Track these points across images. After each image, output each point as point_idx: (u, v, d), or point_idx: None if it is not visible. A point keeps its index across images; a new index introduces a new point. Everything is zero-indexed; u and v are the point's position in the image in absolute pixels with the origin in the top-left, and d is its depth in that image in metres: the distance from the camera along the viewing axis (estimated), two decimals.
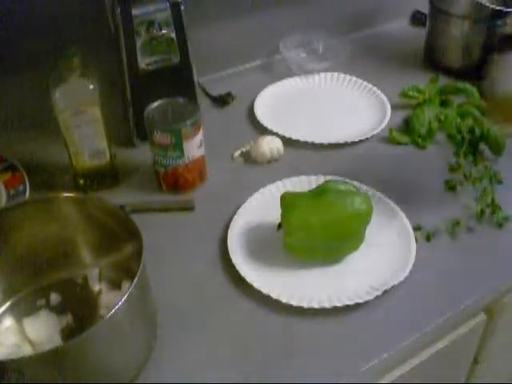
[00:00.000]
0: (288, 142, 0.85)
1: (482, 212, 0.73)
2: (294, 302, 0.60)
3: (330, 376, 0.55)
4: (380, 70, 1.07)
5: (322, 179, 0.74)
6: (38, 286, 0.63)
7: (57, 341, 0.57)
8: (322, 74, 1.03)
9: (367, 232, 0.66)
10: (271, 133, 0.87)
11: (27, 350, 0.56)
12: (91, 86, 0.71)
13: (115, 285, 0.62)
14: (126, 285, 0.60)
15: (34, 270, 0.62)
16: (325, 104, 0.97)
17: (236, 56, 1.06)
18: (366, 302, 0.60)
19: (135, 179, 0.81)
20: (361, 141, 0.87)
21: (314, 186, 0.68)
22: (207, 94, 0.99)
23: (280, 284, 0.63)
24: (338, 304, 0.60)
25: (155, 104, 0.75)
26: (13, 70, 0.85)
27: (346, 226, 0.63)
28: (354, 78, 1.02)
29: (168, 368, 0.56)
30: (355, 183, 0.70)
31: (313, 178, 0.77)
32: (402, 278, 0.63)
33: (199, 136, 0.74)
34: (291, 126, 0.89)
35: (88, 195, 0.72)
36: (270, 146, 0.83)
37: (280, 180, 0.77)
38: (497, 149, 0.83)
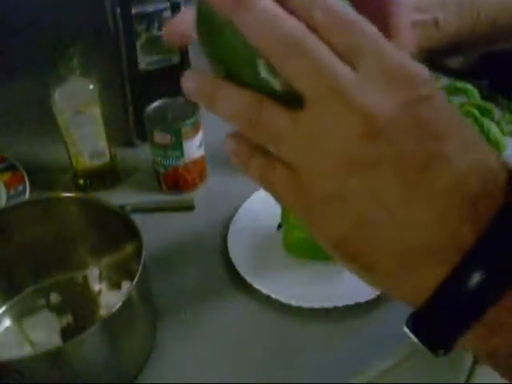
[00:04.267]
0: None
1: None
2: (294, 302, 0.60)
3: (330, 376, 0.55)
4: None
5: None
6: (38, 286, 0.63)
7: (57, 341, 0.57)
8: None
9: None
10: None
11: (27, 350, 0.56)
12: (91, 86, 0.71)
13: (115, 285, 0.62)
14: (126, 285, 0.60)
15: (34, 270, 0.62)
16: None
17: None
18: (366, 302, 0.60)
19: (135, 179, 0.81)
20: None
21: None
22: None
23: (280, 284, 0.63)
24: (338, 304, 0.60)
25: (155, 104, 0.75)
26: (13, 70, 0.85)
27: None
28: None
29: (168, 368, 0.56)
30: None
31: None
32: None
33: (199, 136, 0.74)
34: None
35: (88, 195, 0.72)
36: None
37: None
38: (497, 149, 0.83)
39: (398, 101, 0.24)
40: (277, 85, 0.26)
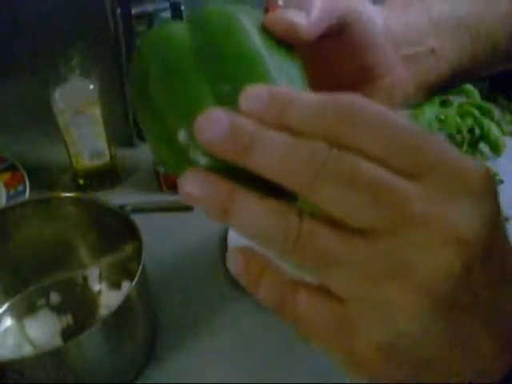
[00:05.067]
0: None
1: None
2: None
3: (330, 376, 0.55)
4: None
5: None
6: (38, 286, 0.63)
7: (57, 341, 0.57)
8: None
9: None
10: None
11: (27, 350, 0.56)
12: (91, 86, 0.71)
13: (115, 285, 0.62)
14: (126, 285, 0.60)
15: (33, 270, 0.62)
16: None
17: None
18: None
19: (135, 179, 0.81)
20: None
21: None
22: None
23: None
24: None
25: None
26: (13, 70, 0.85)
27: None
28: None
29: (168, 368, 0.56)
30: None
31: None
32: None
33: None
34: None
35: (88, 195, 0.72)
36: None
37: None
38: (497, 149, 0.83)
39: (478, 217, 0.19)
40: (200, 158, 0.23)
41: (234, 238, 0.68)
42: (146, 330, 0.56)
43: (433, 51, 0.36)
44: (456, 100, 0.92)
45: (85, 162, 0.76)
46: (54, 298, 0.62)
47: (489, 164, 0.81)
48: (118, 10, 0.75)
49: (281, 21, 0.26)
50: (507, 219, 0.72)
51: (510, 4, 0.39)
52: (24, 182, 0.76)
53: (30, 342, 0.57)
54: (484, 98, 0.92)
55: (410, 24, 0.35)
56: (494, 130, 0.83)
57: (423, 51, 0.36)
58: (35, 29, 0.82)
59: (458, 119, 0.87)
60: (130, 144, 0.86)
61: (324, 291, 0.21)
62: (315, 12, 0.28)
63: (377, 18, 0.33)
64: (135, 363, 0.55)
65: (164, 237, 0.70)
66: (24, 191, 0.75)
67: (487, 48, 0.39)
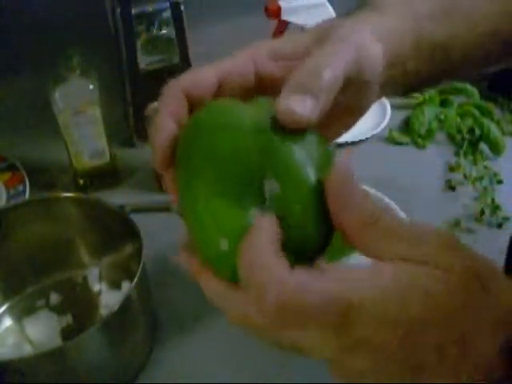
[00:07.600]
0: None
1: (482, 212, 0.73)
2: None
3: (330, 376, 0.55)
4: None
5: None
6: (38, 286, 0.63)
7: (57, 341, 0.57)
8: None
9: None
10: None
11: (27, 350, 0.56)
12: (91, 86, 0.71)
13: (115, 285, 0.62)
14: (126, 285, 0.60)
15: (33, 270, 0.62)
16: None
17: None
18: None
19: (135, 179, 0.81)
20: (361, 141, 0.87)
21: None
22: None
23: None
24: None
25: (155, 104, 0.75)
26: (13, 70, 0.85)
27: None
28: None
29: (168, 368, 0.56)
30: None
31: None
32: None
33: None
34: None
35: (88, 195, 0.72)
36: None
37: None
38: (497, 149, 0.83)
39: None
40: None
41: None
42: (145, 329, 0.56)
43: (405, 73, 0.35)
44: (456, 100, 0.92)
45: (85, 162, 0.76)
46: (54, 298, 0.62)
47: (489, 164, 0.81)
48: (118, 10, 0.75)
49: (286, 112, 0.27)
50: (507, 219, 0.72)
51: (488, 25, 0.38)
52: (24, 182, 0.76)
53: (30, 342, 0.57)
54: (484, 97, 0.92)
55: (396, 44, 0.34)
56: (494, 130, 0.83)
57: (397, 73, 0.35)
58: (35, 29, 0.82)
59: (458, 119, 0.87)
60: (130, 144, 0.86)
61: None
62: (321, 92, 0.28)
63: (377, 56, 0.33)
64: (135, 363, 0.55)
65: (164, 237, 0.70)
66: (24, 191, 0.75)
67: (453, 65, 0.38)
